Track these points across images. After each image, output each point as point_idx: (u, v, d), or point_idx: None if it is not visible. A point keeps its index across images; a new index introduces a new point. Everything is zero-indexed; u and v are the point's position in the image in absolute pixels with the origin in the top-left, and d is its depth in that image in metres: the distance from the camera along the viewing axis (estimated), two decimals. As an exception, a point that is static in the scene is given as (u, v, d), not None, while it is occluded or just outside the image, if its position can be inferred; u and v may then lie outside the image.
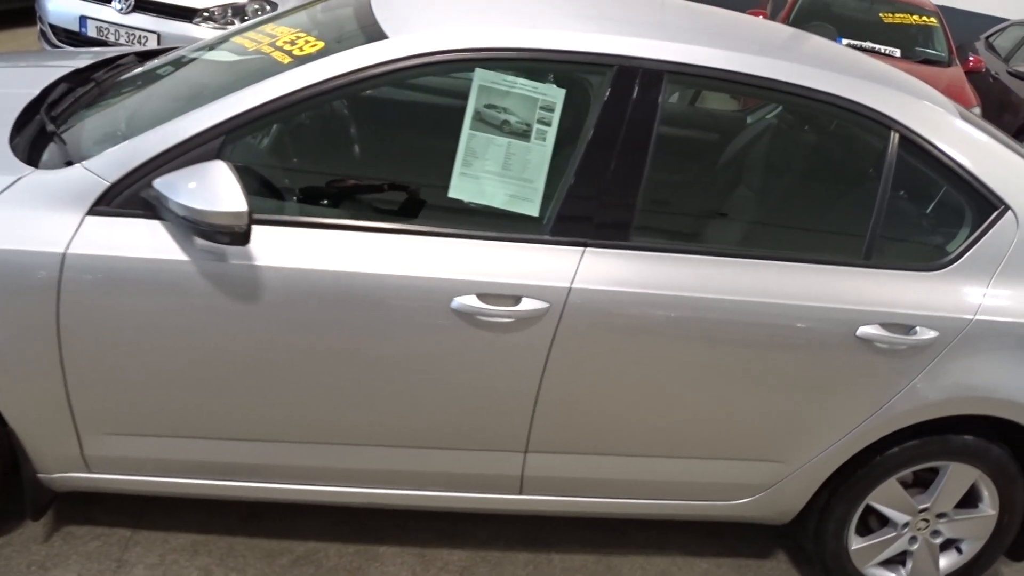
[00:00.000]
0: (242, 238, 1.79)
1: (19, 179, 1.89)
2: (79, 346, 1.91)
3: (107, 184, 1.88)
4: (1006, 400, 2.26)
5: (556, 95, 2.03)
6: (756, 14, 7.39)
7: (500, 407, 2.11)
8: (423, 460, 2.17)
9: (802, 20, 7.40)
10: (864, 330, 2.15)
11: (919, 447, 2.35)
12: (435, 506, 2.26)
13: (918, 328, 2.18)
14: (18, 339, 1.88)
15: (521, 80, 2.02)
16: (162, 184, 1.82)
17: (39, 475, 2.09)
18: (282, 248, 1.92)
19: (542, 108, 2.03)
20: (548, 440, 2.18)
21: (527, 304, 2.00)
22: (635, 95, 2.05)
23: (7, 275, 1.83)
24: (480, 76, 2.00)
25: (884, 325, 2.17)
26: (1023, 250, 2.26)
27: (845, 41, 6.93)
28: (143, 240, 1.88)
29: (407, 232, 1.98)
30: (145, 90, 2.32)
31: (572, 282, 2.02)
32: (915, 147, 2.20)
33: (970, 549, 2.56)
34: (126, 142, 1.92)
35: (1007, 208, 2.25)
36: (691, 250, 2.11)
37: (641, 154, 2.06)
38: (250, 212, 1.77)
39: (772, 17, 7.48)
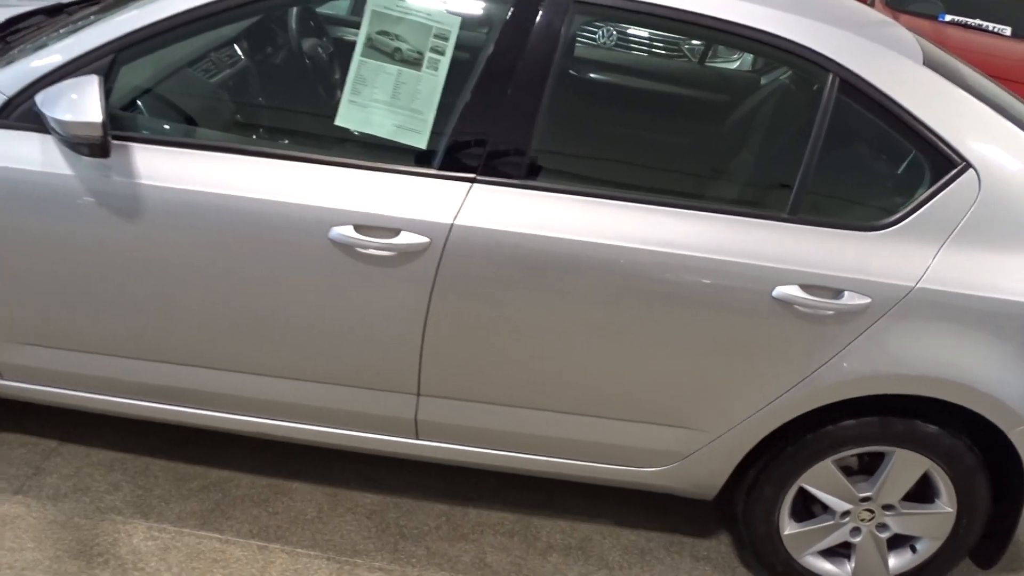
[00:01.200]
0: (100, 150, 1.81)
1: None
2: (-13, 256, 2.00)
3: (5, 97, 1.95)
4: (950, 380, 2.01)
5: (451, 23, 1.95)
6: None
7: (386, 345, 2.06)
8: (315, 394, 2.15)
9: (906, -5, 6.86)
10: (781, 291, 1.97)
11: (856, 428, 2.13)
12: (331, 443, 2.24)
13: (847, 292, 1.97)
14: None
15: (415, 6, 1.95)
16: (40, 98, 1.86)
17: (-42, 378, 2.21)
18: (165, 168, 1.94)
19: (436, 36, 1.95)
20: (440, 384, 2.11)
21: (406, 238, 1.94)
22: (537, 24, 1.95)
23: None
24: (373, 1, 1.95)
25: (805, 287, 1.97)
26: (984, 214, 2.00)
27: (948, 17, 6.41)
28: (34, 153, 1.94)
29: (288, 158, 1.96)
30: (92, 19, 2.39)
31: (455, 218, 1.94)
32: (859, 93, 1.99)
33: (925, 549, 2.31)
34: (27, 58, 1.98)
35: (968, 166, 2.00)
36: (591, 193, 1.98)
37: (539, 88, 1.95)
38: (105, 124, 1.79)
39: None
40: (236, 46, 2.35)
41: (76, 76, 1.90)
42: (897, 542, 2.33)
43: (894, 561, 2.34)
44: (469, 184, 1.96)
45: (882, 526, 2.28)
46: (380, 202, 1.94)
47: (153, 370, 2.14)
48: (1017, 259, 2.00)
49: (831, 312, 1.99)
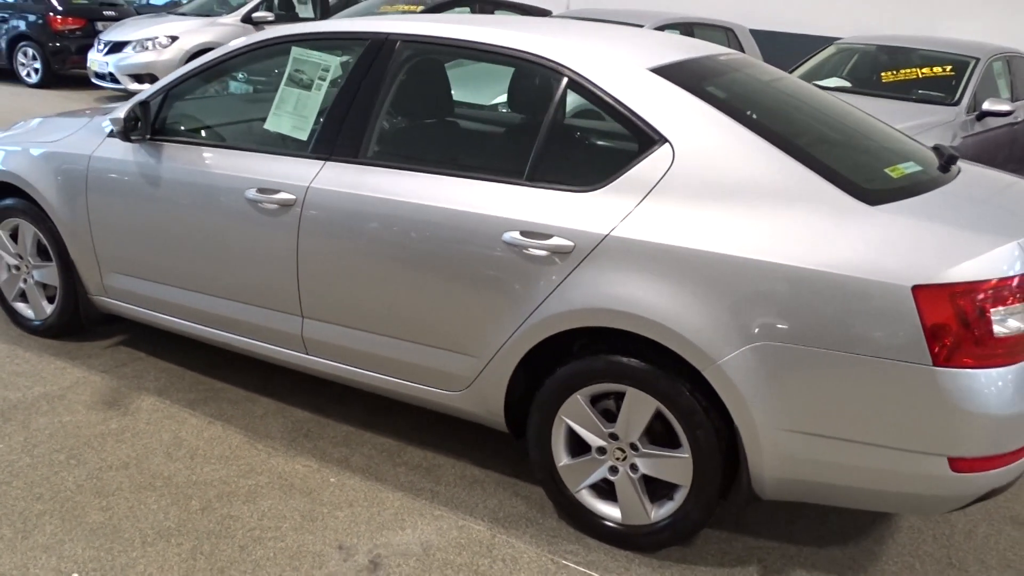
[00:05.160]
0: (123, 136, 3.11)
1: (90, 122, 3.51)
2: (95, 211, 3.39)
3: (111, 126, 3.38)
4: (635, 315, 2.35)
5: (330, 60, 2.97)
6: None
7: (277, 275, 2.99)
8: (247, 313, 3.13)
9: None
10: (508, 235, 2.54)
11: (589, 363, 2.52)
12: (247, 350, 3.18)
13: (555, 237, 2.48)
14: (71, 205, 3.44)
15: (314, 52, 3.01)
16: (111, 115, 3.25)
17: (89, 296, 3.61)
18: (175, 155, 3.18)
19: (322, 70, 2.98)
20: (314, 308, 2.97)
21: (282, 195, 2.91)
22: (375, 58, 2.88)
23: (70, 169, 3.41)
24: (294, 52, 3.05)
25: (524, 232, 2.52)
26: (676, 179, 2.40)
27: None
28: (120, 150, 3.32)
29: (228, 147, 3.09)
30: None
31: (311, 182, 2.88)
32: (583, 89, 2.57)
33: (679, 496, 2.52)
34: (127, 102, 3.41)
35: (665, 141, 2.44)
36: (398, 167, 2.78)
37: (372, 101, 2.85)
38: (126, 119, 3.09)
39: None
40: (221, 85, 3.58)
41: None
42: (660, 491, 2.56)
43: (658, 509, 2.56)
44: (324, 161, 2.90)
45: (634, 467, 2.55)
46: (272, 173, 2.96)
47: (175, 293, 3.32)
48: (703, 215, 2.34)
49: (544, 253, 2.50)
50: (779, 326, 2.24)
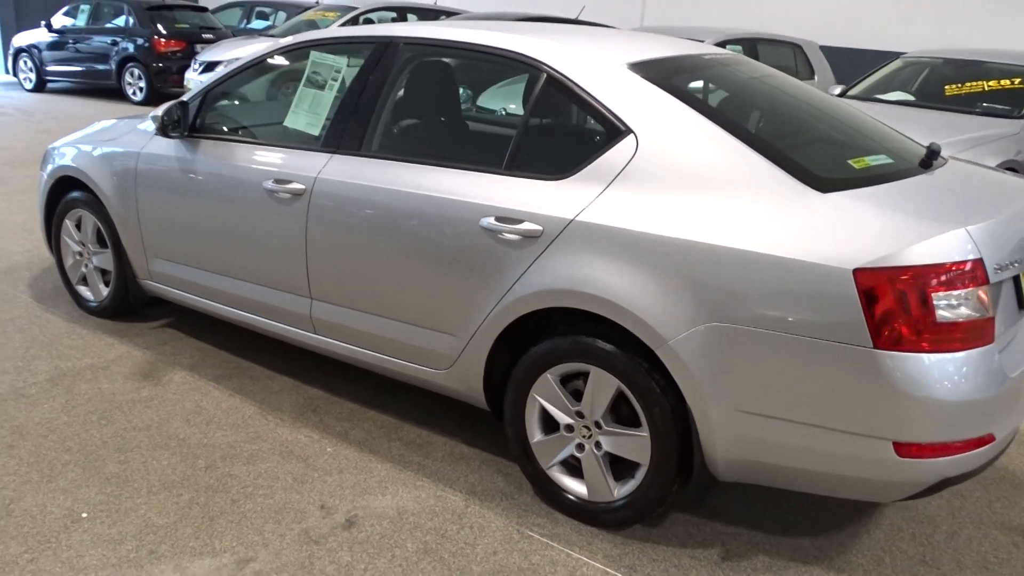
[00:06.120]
0: (160, 131, 3.43)
1: (142, 123, 3.87)
2: (142, 201, 3.74)
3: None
4: (593, 295, 2.47)
5: (341, 62, 3.22)
6: None
7: (290, 259, 3.24)
8: (265, 295, 3.39)
9: None
10: (485, 221, 2.71)
11: (557, 343, 2.65)
12: (265, 330, 3.43)
13: (525, 222, 2.63)
14: (123, 196, 3.79)
15: (327, 55, 3.26)
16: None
17: (137, 279, 3.95)
18: (209, 150, 3.49)
19: (334, 71, 3.23)
20: (321, 290, 3.20)
21: (294, 185, 3.16)
22: (380, 59, 3.11)
23: (123, 164, 3.77)
24: (312, 55, 3.31)
25: (498, 218, 2.69)
26: (639, 168, 2.52)
27: None
28: (163, 146, 3.65)
29: (252, 143, 3.36)
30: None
31: (319, 173, 3.12)
32: (560, 85, 2.72)
33: (640, 475, 2.60)
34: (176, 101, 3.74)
35: (630, 132, 2.56)
36: (392, 158, 2.99)
37: (374, 99, 3.08)
38: (163, 117, 3.40)
39: None
40: (250, 88, 3.86)
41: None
42: (623, 470, 2.66)
43: (621, 487, 2.66)
44: (331, 154, 3.13)
45: (598, 444, 2.66)
46: (287, 165, 3.21)
47: (206, 277, 3.62)
48: (660, 200, 2.45)
49: (516, 237, 2.65)
50: (728, 308, 2.32)
